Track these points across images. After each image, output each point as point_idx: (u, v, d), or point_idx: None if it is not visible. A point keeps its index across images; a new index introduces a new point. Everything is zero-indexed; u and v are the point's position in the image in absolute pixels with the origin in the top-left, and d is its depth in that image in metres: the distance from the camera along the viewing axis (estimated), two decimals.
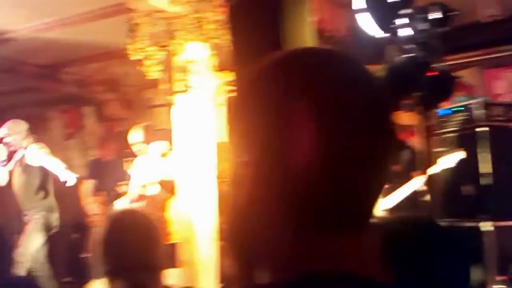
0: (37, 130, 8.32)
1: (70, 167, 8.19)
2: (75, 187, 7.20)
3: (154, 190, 4.68)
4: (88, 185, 6.16)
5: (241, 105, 0.68)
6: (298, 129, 0.61)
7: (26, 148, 5.21)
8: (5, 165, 5.16)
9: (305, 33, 2.41)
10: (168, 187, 4.72)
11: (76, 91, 7.03)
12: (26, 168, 5.24)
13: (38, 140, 8.25)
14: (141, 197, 4.77)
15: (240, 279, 0.71)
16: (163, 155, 4.83)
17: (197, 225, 3.93)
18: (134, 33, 4.00)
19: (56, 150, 8.23)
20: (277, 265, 0.64)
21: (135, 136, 5.00)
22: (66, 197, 7.85)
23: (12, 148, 5.21)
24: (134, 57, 4.01)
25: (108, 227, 1.73)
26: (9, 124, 5.29)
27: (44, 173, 5.33)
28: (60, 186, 8.12)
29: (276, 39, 2.31)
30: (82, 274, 6.29)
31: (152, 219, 1.85)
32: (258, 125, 0.64)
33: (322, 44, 2.74)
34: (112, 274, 1.66)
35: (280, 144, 0.62)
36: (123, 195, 5.06)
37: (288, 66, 0.66)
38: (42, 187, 5.34)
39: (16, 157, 5.21)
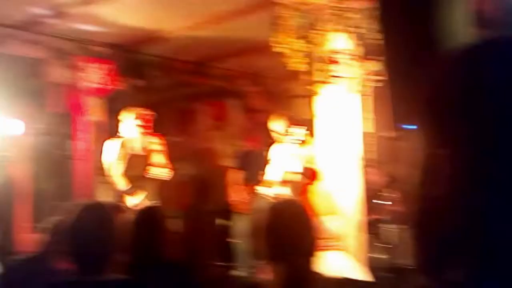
0: (186, 123, 8.91)
1: (218, 157, 8.67)
2: (222, 175, 7.59)
3: (295, 177, 4.75)
4: (236, 174, 6.47)
5: (436, 99, 0.68)
6: (501, 122, 0.60)
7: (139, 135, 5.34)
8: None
9: (461, 16, 2.30)
10: (308, 175, 4.78)
11: (222, 84, 7.35)
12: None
13: (183, 132, 8.78)
14: (283, 184, 4.86)
15: (428, 270, 0.71)
16: (302, 143, 4.89)
17: (343, 215, 3.94)
18: (278, 26, 4.07)
19: (206, 141, 8.74)
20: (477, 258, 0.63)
21: (276, 124, 5.12)
22: (214, 185, 8.31)
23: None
24: (277, 50, 4.07)
25: (270, 215, 1.81)
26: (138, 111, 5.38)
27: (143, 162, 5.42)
28: (208, 175, 8.60)
29: (430, 25, 2.24)
30: (229, 259, 6.63)
31: (306, 208, 1.91)
32: (457, 118, 0.63)
33: (479, 28, 2.59)
34: (273, 259, 1.75)
35: (486, 136, 0.61)
36: (266, 183, 5.21)
37: (487, 57, 0.65)
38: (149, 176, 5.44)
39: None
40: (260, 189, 5.13)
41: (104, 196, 5.43)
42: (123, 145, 5.25)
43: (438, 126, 0.66)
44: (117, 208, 4.62)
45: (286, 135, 4.97)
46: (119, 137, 5.29)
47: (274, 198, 4.65)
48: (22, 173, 7.75)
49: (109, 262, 1.98)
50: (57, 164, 8.32)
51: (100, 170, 5.51)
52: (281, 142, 5.07)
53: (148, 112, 5.34)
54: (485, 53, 0.66)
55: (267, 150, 5.43)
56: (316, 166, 4.70)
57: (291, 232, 1.74)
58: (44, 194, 8.27)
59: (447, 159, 0.64)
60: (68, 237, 2.00)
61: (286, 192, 4.72)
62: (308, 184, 4.90)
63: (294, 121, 5.12)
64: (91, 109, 5.95)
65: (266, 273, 1.87)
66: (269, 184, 4.97)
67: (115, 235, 2.00)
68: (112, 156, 5.21)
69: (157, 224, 2.89)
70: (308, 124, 7.12)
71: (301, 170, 4.74)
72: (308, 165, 4.74)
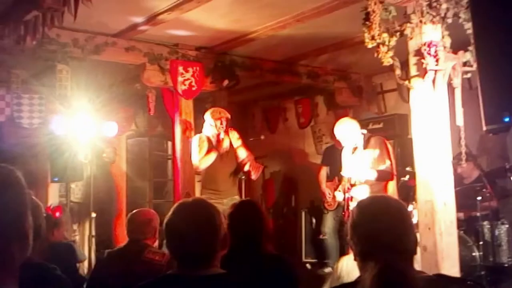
0: (275, 121, 9.05)
1: (305, 154, 8.74)
2: (309, 172, 7.66)
3: (371, 176, 4.68)
4: (323, 171, 6.51)
5: None
6: None
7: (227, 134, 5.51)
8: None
9: None
10: (381, 177, 4.71)
11: (309, 82, 7.38)
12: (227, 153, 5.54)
13: (272, 130, 8.91)
14: (361, 183, 4.79)
15: None
16: (367, 145, 4.76)
17: (436, 211, 3.86)
18: (369, 21, 4.02)
19: (292, 138, 8.86)
20: None
21: (339, 130, 5.02)
22: (301, 181, 8.40)
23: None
24: (369, 45, 4.02)
25: (359, 211, 1.80)
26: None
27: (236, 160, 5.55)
28: (295, 172, 8.71)
29: None
30: (320, 255, 6.69)
31: (402, 204, 1.86)
32: None
33: None
34: (363, 255, 1.73)
35: None
36: (346, 181, 5.15)
37: None
38: (234, 173, 5.58)
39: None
40: (341, 189, 5.09)
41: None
42: (206, 142, 5.47)
43: None
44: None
45: (352, 138, 4.87)
46: (202, 135, 5.53)
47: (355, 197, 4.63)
48: (121, 172, 8.26)
49: (210, 257, 2.04)
50: (156, 164, 8.78)
51: (191, 167, 5.78)
52: (348, 145, 4.96)
53: (225, 111, 5.56)
54: None
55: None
56: (388, 167, 4.63)
57: (381, 227, 1.70)
58: (142, 192, 8.76)
59: None
60: (171, 233, 2.07)
61: (365, 191, 4.65)
62: (385, 183, 4.84)
63: (360, 124, 5.03)
64: (185, 110, 6.23)
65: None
66: (347, 184, 4.90)
67: (217, 230, 2.06)
68: (196, 153, 5.46)
69: (254, 218, 3.00)
70: (398, 118, 6.99)
71: (372, 172, 4.66)
72: (379, 167, 4.66)
